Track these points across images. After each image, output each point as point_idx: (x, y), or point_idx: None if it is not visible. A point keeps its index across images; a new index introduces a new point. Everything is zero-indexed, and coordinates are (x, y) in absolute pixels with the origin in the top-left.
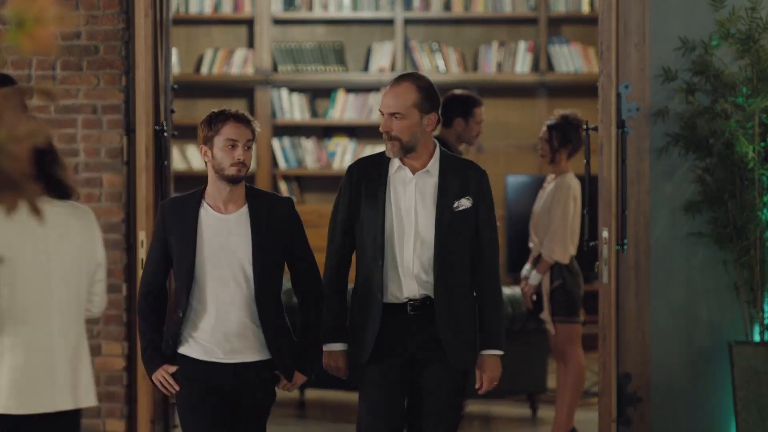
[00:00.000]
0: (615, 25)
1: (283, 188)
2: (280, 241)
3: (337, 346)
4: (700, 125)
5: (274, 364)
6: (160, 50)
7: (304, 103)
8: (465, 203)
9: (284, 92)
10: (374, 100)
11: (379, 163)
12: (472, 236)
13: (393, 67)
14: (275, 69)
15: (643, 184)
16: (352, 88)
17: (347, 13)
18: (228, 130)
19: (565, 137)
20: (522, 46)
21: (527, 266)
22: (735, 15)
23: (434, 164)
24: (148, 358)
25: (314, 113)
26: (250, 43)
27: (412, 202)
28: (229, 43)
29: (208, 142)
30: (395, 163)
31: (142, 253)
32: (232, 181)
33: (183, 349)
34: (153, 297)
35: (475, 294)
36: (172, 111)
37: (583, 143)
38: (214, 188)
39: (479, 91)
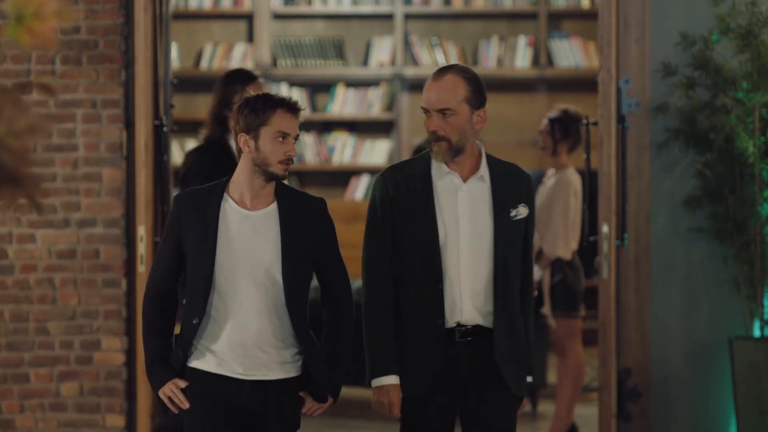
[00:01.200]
0: (615, 19)
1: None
2: (310, 244)
3: (391, 380)
4: (700, 120)
5: (300, 383)
6: (159, 45)
7: (304, 97)
8: (522, 211)
9: (284, 87)
10: (374, 94)
11: (419, 170)
12: (522, 249)
13: (393, 62)
14: (275, 64)
15: (644, 179)
16: (352, 83)
17: (347, 7)
18: (280, 121)
19: (566, 131)
20: (522, 40)
21: None
22: (735, 10)
23: (485, 168)
24: (154, 371)
25: (314, 108)
26: (250, 38)
27: (465, 212)
28: (229, 38)
29: (251, 131)
30: (441, 168)
31: (141, 249)
32: (276, 179)
33: (195, 362)
34: (162, 301)
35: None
36: (172, 106)
37: (583, 138)
38: (244, 181)
39: None
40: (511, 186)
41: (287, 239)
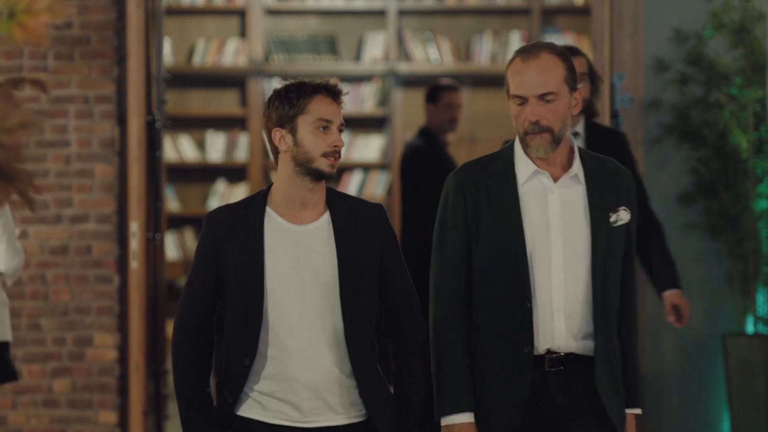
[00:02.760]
0: (609, 15)
1: None
2: (372, 261)
3: (464, 418)
4: (693, 116)
5: (367, 428)
6: (152, 40)
7: None
8: (623, 216)
9: (277, 82)
10: (367, 90)
11: (500, 167)
12: (622, 260)
13: (386, 58)
14: (268, 59)
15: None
16: (345, 79)
17: (340, 3)
18: (319, 107)
19: None
20: (515, 36)
21: None
22: (728, 5)
23: (578, 164)
24: (192, 426)
25: None
26: (243, 33)
27: (557, 217)
28: (222, 34)
29: (287, 123)
30: (527, 166)
31: (134, 245)
32: (322, 176)
33: (247, 411)
34: (196, 341)
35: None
36: (164, 101)
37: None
38: (287, 189)
39: (473, 82)
40: (609, 185)
41: (345, 256)
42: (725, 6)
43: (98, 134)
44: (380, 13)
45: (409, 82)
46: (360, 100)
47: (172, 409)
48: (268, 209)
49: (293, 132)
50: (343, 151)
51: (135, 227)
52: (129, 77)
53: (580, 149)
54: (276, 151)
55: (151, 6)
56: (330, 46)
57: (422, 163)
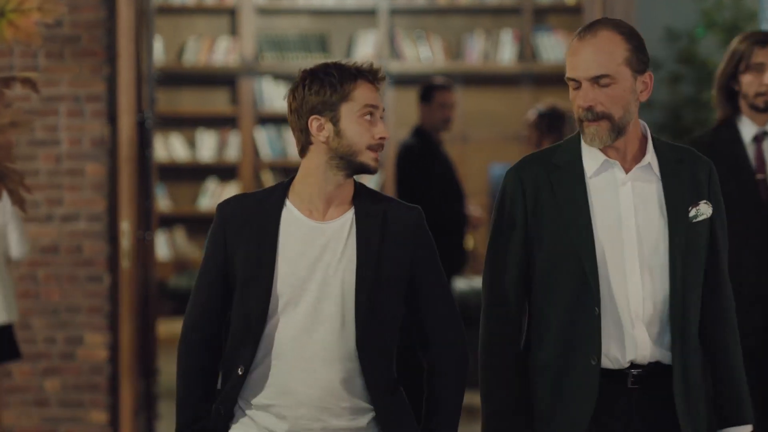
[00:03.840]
0: (600, 14)
1: (268, 179)
2: (400, 269)
3: None
4: (685, 115)
5: None
6: (142, 39)
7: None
8: (705, 210)
9: (268, 81)
10: None
11: (566, 159)
12: (705, 260)
13: (378, 57)
14: (259, 58)
15: None
16: None
17: (331, 2)
18: (365, 93)
19: (552, 126)
20: (507, 35)
21: None
22: (720, 4)
23: (652, 154)
24: None
25: None
26: (234, 32)
27: (630, 213)
28: (213, 32)
29: (327, 110)
30: (596, 156)
31: (125, 244)
32: (367, 171)
33: (240, 427)
34: (203, 349)
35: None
36: (155, 100)
37: (566, 135)
38: (314, 182)
39: (464, 81)
40: (688, 177)
41: (365, 260)
42: (717, 5)
43: (89, 133)
44: (371, 12)
45: (401, 81)
46: None
47: (163, 408)
48: (287, 202)
49: (335, 121)
50: None
51: (126, 226)
52: (120, 76)
53: (654, 138)
54: (306, 141)
55: (142, 4)
56: (321, 44)
57: (417, 162)
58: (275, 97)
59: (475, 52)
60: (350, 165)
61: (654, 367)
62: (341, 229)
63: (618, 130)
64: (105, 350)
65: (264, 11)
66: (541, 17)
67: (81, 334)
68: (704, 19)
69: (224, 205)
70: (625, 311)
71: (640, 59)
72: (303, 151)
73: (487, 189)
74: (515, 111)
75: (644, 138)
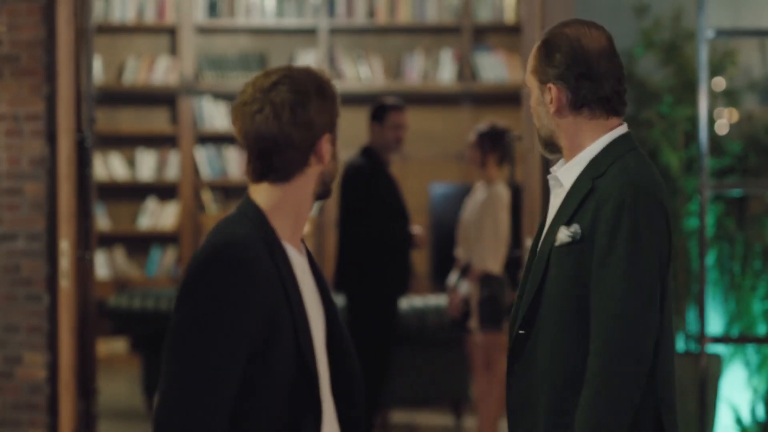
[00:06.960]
0: (539, 34)
1: (208, 198)
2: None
3: None
4: None
5: None
6: (82, 58)
7: (228, 111)
8: (570, 234)
9: (208, 100)
10: None
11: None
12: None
13: None
14: (199, 77)
15: None
16: None
17: (271, 21)
18: (338, 119)
19: (494, 143)
20: (446, 54)
21: (453, 275)
22: (659, 24)
23: (571, 169)
24: None
25: None
26: (173, 51)
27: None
28: (152, 51)
29: (331, 129)
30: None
31: (64, 263)
32: (327, 197)
33: None
34: None
35: None
36: (94, 119)
37: (508, 152)
38: (299, 213)
39: (404, 100)
40: (582, 195)
41: (326, 294)
42: (655, 25)
43: (28, 152)
44: (311, 31)
45: (341, 100)
46: None
47: (103, 428)
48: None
49: (334, 141)
50: None
51: (65, 246)
52: (59, 95)
53: (603, 155)
54: (303, 162)
55: (81, 24)
56: (261, 63)
57: (365, 183)
58: (215, 115)
59: (415, 71)
60: (324, 192)
61: None
62: (305, 262)
63: (543, 142)
64: (44, 370)
65: (203, 30)
66: (480, 37)
67: (20, 354)
68: (643, 38)
69: (240, 251)
70: None
71: (543, 69)
72: (288, 175)
73: (427, 208)
74: (455, 130)
75: (586, 155)
